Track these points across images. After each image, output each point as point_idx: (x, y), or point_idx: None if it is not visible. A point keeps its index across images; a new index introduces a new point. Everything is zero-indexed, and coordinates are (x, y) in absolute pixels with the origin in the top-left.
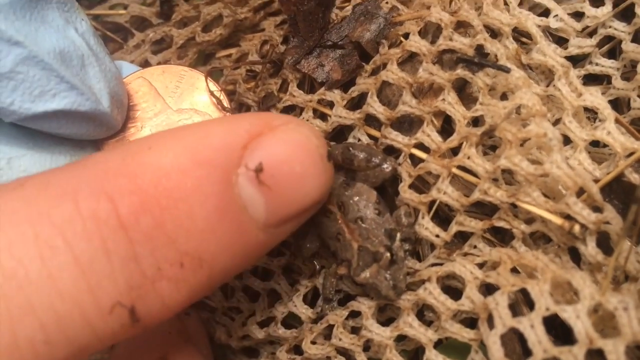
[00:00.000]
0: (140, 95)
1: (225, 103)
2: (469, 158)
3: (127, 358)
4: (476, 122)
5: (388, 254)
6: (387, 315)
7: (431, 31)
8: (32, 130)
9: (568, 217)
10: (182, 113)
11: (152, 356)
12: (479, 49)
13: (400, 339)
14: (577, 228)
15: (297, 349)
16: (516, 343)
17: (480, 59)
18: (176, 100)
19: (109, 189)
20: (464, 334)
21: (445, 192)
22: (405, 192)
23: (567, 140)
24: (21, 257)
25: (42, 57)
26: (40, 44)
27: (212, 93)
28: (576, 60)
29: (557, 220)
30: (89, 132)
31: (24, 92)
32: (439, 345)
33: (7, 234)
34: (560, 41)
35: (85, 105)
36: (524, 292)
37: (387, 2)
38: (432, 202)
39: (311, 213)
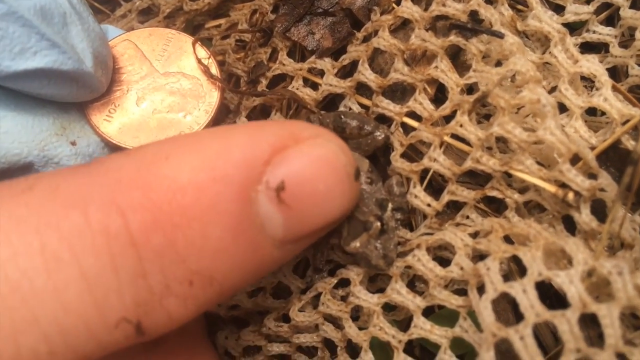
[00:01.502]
0: (126, 58)
1: (215, 70)
2: (461, 126)
3: None
4: (470, 90)
5: (378, 224)
6: (377, 286)
7: None
8: (15, 92)
9: (562, 186)
10: (169, 76)
11: None
12: (473, 15)
13: (391, 308)
14: (570, 195)
15: (285, 318)
16: (510, 313)
17: (473, 25)
18: (163, 64)
19: (121, 201)
20: (452, 301)
21: (437, 161)
22: (397, 161)
23: (563, 108)
24: (26, 269)
25: (22, 13)
26: (20, 0)
27: (199, 60)
28: (573, 29)
29: (551, 188)
30: (72, 94)
31: (3, 49)
32: (430, 314)
33: (13, 244)
34: (558, 9)
35: (67, 64)
36: (517, 263)
37: None
38: (425, 171)
39: (332, 227)
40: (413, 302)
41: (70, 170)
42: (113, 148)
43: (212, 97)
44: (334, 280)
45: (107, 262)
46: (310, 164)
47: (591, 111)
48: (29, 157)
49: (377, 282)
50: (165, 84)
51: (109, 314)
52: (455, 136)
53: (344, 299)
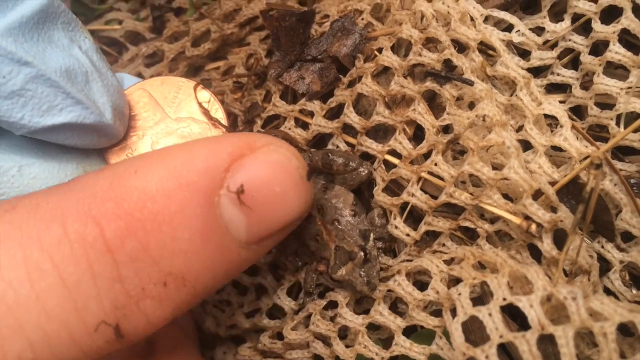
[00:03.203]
0: (141, 105)
1: (221, 111)
2: (436, 164)
3: None
4: (447, 128)
5: (362, 253)
6: (363, 308)
7: (404, 45)
8: (41, 141)
9: (527, 218)
10: (181, 121)
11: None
12: (448, 62)
13: (376, 328)
14: (533, 227)
15: (279, 335)
16: (485, 331)
17: (447, 73)
18: (175, 110)
19: (96, 212)
20: (429, 322)
21: (415, 195)
22: (379, 195)
23: (530, 145)
24: (11, 280)
25: (49, 75)
26: (47, 63)
27: (200, 104)
28: (541, 70)
29: (516, 220)
30: (93, 142)
31: (33, 108)
32: (413, 333)
33: None
34: (525, 53)
35: (89, 118)
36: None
37: (362, 19)
38: (405, 204)
39: (292, 229)
40: (394, 322)
41: (49, 190)
42: None
43: None
44: (324, 302)
45: (85, 269)
46: (265, 168)
47: (556, 147)
48: None
49: (363, 304)
50: (177, 128)
51: (89, 318)
52: (431, 172)
53: (332, 319)
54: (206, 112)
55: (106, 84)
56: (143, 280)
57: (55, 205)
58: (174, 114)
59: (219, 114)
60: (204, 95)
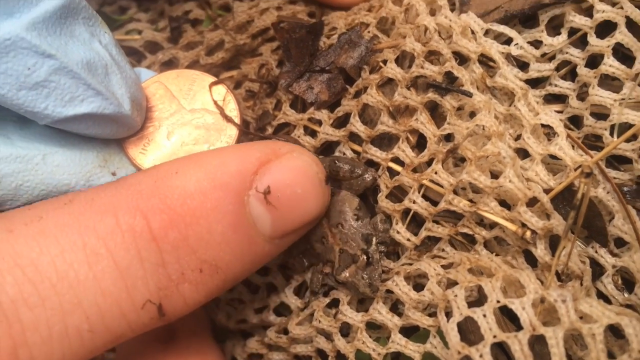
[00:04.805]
0: (157, 97)
1: (234, 105)
2: (436, 173)
3: None
4: (449, 136)
5: (364, 257)
6: (366, 307)
7: (408, 56)
8: (64, 131)
9: (524, 224)
10: (195, 113)
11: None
12: (449, 74)
13: (375, 328)
14: (528, 233)
15: (285, 331)
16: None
17: (447, 85)
18: (189, 101)
19: (143, 207)
20: (424, 321)
21: (416, 202)
22: (383, 201)
23: (528, 153)
24: (72, 262)
25: (71, 67)
26: (69, 56)
27: (215, 102)
28: (539, 81)
29: (512, 226)
30: (112, 132)
31: (56, 98)
32: (414, 333)
33: (60, 243)
34: (525, 65)
35: (109, 108)
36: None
37: (368, 32)
38: (407, 209)
39: (311, 226)
40: (391, 320)
41: (101, 187)
42: None
43: (232, 130)
44: (327, 300)
45: (134, 254)
46: (289, 172)
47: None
48: (77, 186)
49: (365, 303)
50: (192, 119)
51: (137, 297)
52: (432, 180)
53: (334, 316)
54: (221, 110)
55: (125, 77)
56: (182, 266)
57: (108, 200)
58: (189, 106)
59: (232, 105)
60: (220, 90)
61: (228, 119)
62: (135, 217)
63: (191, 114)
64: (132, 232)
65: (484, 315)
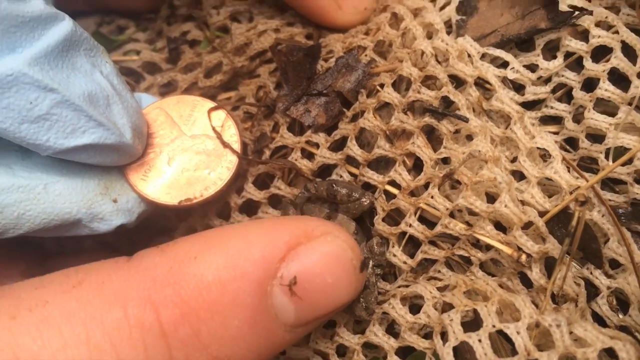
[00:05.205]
0: (158, 124)
1: (234, 130)
2: (432, 197)
3: None
4: (445, 159)
5: None
6: (362, 327)
7: (405, 80)
8: (65, 160)
9: (519, 248)
10: (196, 138)
11: None
12: (446, 97)
13: (372, 347)
14: (523, 257)
15: (282, 351)
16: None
17: (443, 110)
18: (190, 127)
19: (155, 298)
20: (420, 344)
21: (412, 225)
22: (379, 224)
23: (524, 176)
24: (74, 358)
25: (73, 100)
26: (71, 89)
27: (214, 129)
28: (536, 102)
29: (507, 250)
30: (114, 161)
31: (57, 131)
32: (410, 354)
33: (63, 336)
34: (521, 88)
35: (110, 139)
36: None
37: (365, 55)
38: (402, 233)
39: (339, 311)
40: (387, 342)
41: (114, 266)
42: (149, 203)
43: (232, 156)
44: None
45: (141, 352)
46: (320, 260)
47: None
48: (78, 214)
49: (362, 324)
50: (192, 145)
51: None
52: (429, 203)
53: (331, 337)
54: (220, 137)
55: (126, 106)
56: None
57: (119, 286)
58: (190, 131)
59: (232, 130)
60: (220, 114)
61: (226, 146)
62: (145, 309)
63: (192, 140)
64: (140, 327)
65: (480, 340)
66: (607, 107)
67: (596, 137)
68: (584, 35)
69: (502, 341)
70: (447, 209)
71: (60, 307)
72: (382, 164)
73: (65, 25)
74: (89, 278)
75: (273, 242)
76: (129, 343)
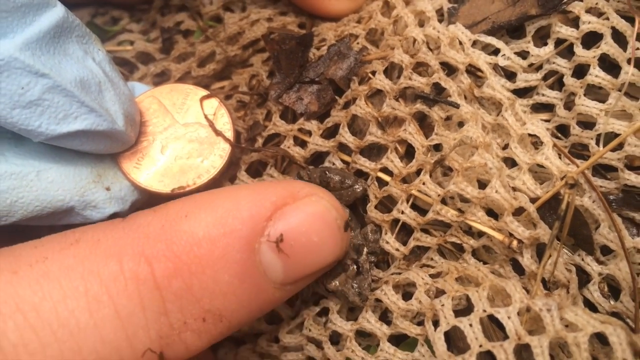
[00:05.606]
0: (151, 112)
1: (227, 119)
2: (424, 184)
3: None
4: (438, 146)
5: (354, 266)
6: (356, 315)
7: (397, 67)
8: (58, 147)
9: (510, 234)
10: (188, 126)
11: None
12: (437, 84)
13: (365, 335)
14: (514, 243)
15: (275, 339)
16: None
17: (434, 96)
18: (183, 115)
19: (148, 253)
20: (412, 330)
21: (404, 213)
22: (372, 212)
23: (515, 162)
24: (74, 309)
25: (65, 85)
26: (63, 75)
27: (206, 117)
28: (527, 90)
29: (499, 236)
30: (106, 148)
31: (49, 116)
32: (403, 341)
33: (63, 288)
34: (512, 75)
35: (102, 125)
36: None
37: (357, 43)
38: (395, 220)
39: (325, 271)
40: (380, 329)
41: (109, 225)
42: (142, 191)
43: (225, 143)
44: (317, 309)
45: (136, 303)
46: (305, 219)
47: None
48: (71, 202)
49: (355, 311)
50: (185, 133)
51: (137, 346)
52: (421, 190)
53: (324, 324)
54: (212, 125)
55: (118, 93)
56: (185, 315)
57: (114, 242)
58: (182, 119)
59: (224, 119)
60: (212, 103)
61: (218, 133)
62: (139, 263)
63: (185, 128)
64: (135, 279)
65: (471, 325)
66: (598, 95)
67: (587, 124)
68: (574, 22)
69: (494, 328)
70: (439, 195)
71: (59, 263)
72: (374, 151)
73: (57, 11)
74: (85, 236)
75: (260, 202)
76: (125, 294)
